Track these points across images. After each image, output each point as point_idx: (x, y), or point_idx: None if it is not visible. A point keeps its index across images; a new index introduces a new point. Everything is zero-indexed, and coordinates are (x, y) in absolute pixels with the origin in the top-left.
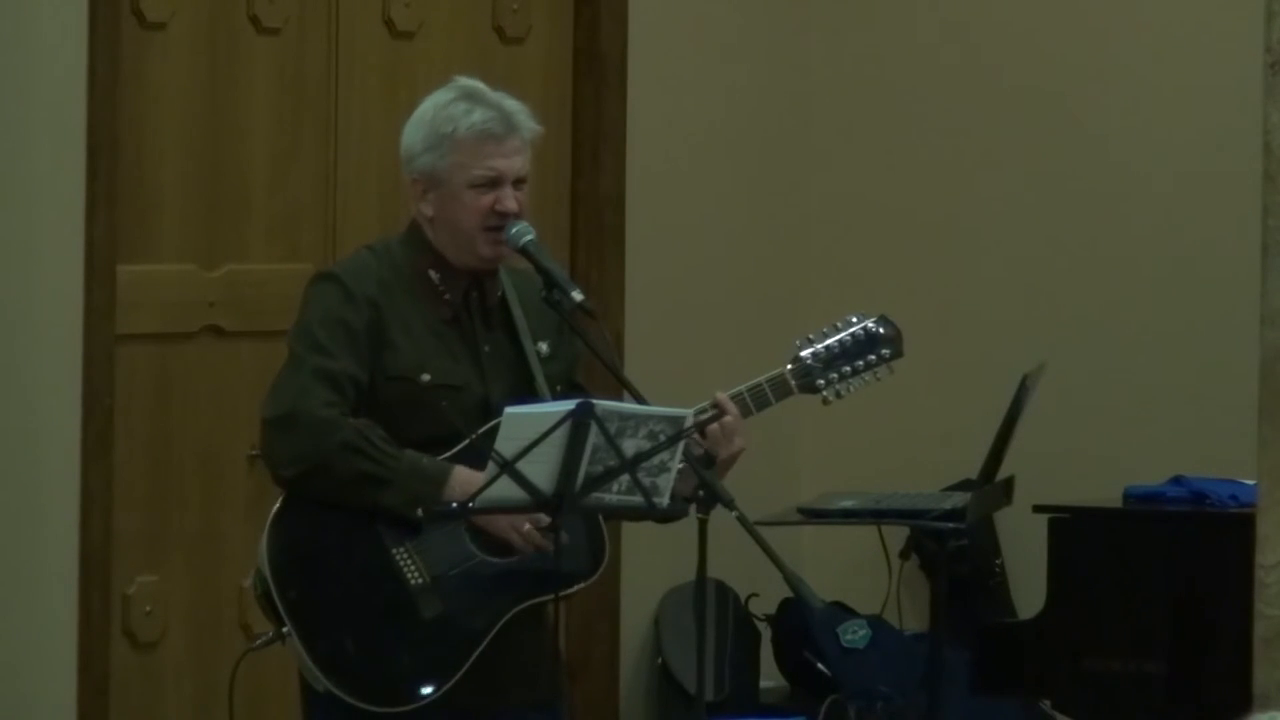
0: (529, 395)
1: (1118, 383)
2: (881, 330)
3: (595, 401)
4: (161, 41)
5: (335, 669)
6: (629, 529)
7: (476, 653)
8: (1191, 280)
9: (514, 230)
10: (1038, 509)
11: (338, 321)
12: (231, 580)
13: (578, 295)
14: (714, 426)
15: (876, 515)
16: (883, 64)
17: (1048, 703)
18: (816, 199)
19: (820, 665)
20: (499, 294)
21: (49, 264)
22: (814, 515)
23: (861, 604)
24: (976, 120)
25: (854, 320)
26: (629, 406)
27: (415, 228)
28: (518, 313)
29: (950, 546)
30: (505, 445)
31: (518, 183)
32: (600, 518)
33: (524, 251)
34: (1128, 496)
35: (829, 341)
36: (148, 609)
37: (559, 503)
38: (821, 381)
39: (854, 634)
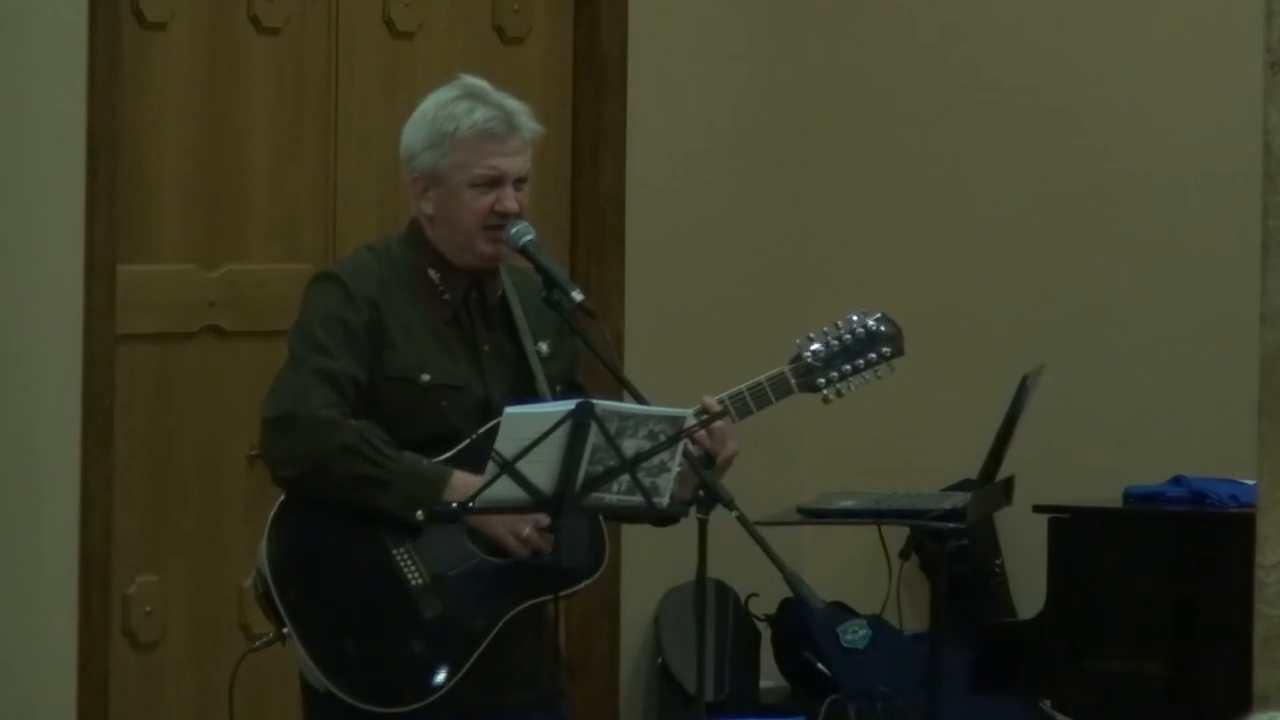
0: (529, 395)
1: (1118, 383)
2: (882, 328)
3: (595, 401)
4: (161, 41)
5: (336, 669)
6: (629, 529)
7: (477, 653)
8: (1191, 280)
9: (514, 230)
10: (1038, 509)
11: (338, 321)
12: (231, 580)
13: (578, 295)
14: (703, 433)
15: (876, 515)
16: (883, 64)
17: (1048, 703)
18: (816, 199)
19: (820, 665)
20: (499, 293)
21: (49, 264)
22: (814, 515)
23: (861, 604)
24: (976, 120)
25: (854, 319)
26: (629, 406)
27: (415, 227)
28: (518, 312)
29: (950, 546)
30: (505, 445)
31: (518, 182)
32: (600, 517)
33: (524, 251)
34: (1128, 496)
35: (829, 340)
36: (148, 609)
37: (559, 503)
38: (822, 380)
39: (854, 634)
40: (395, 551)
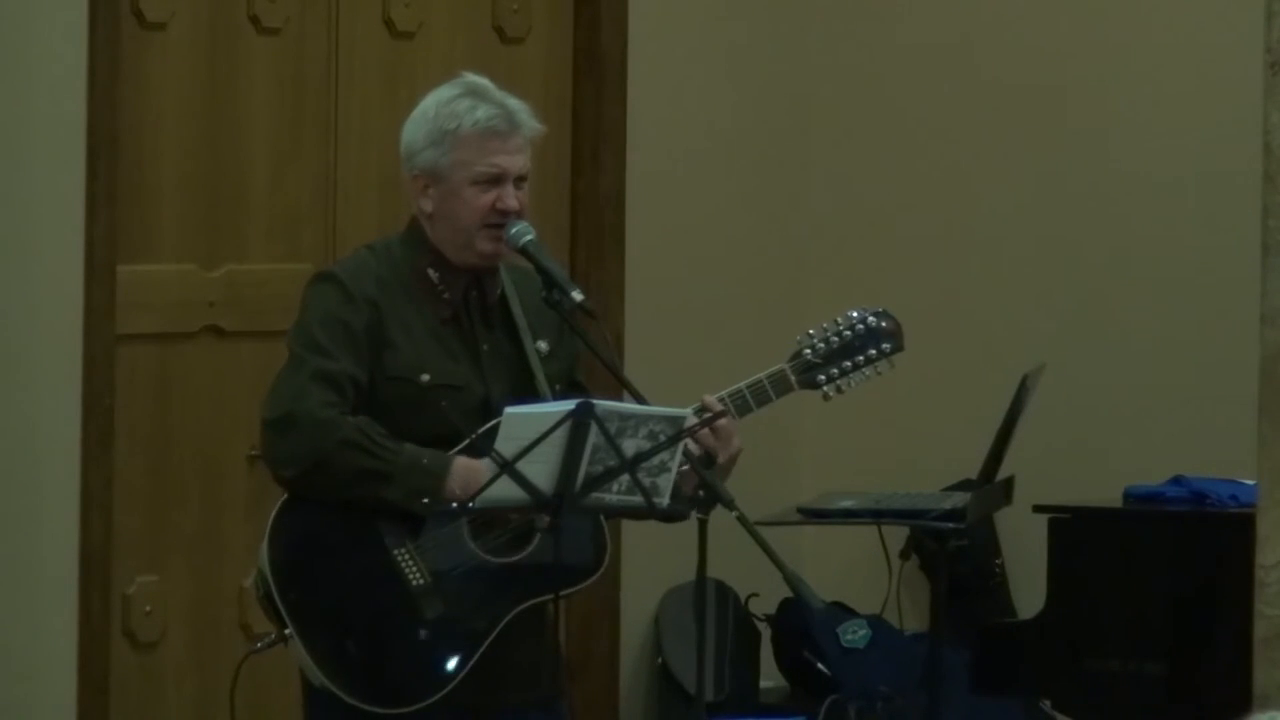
0: (529, 395)
1: (1118, 383)
2: (882, 324)
3: (595, 401)
4: (161, 41)
5: (337, 670)
6: (629, 529)
7: (479, 653)
8: (1191, 280)
9: (514, 230)
10: (1038, 509)
11: (337, 322)
12: (231, 580)
13: (578, 295)
14: (706, 432)
15: (876, 515)
16: (883, 64)
17: (1048, 703)
18: (816, 199)
19: (820, 665)
20: (499, 292)
21: (49, 264)
22: (814, 515)
23: (861, 604)
24: (976, 120)
25: (854, 314)
26: (629, 406)
27: (415, 226)
28: (517, 311)
29: (950, 546)
30: (505, 445)
31: (519, 181)
32: (601, 517)
33: (524, 251)
34: (1128, 496)
35: (829, 336)
36: (148, 609)
37: (559, 503)
38: (822, 377)
39: (854, 634)
40: (396, 552)
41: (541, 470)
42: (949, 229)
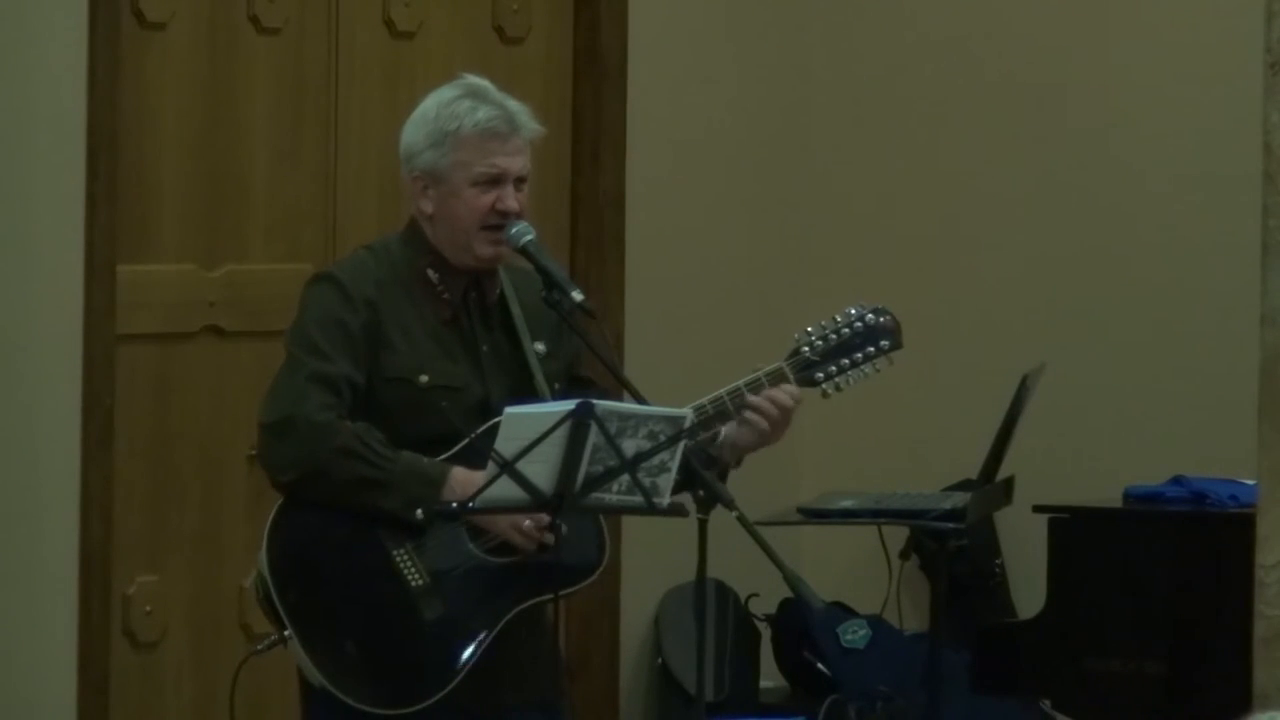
0: (528, 395)
1: (1118, 383)
2: (881, 321)
3: (595, 402)
4: (161, 41)
5: (337, 671)
6: (629, 529)
7: (479, 654)
8: (1191, 280)
9: (514, 230)
10: (1038, 509)
11: (335, 324)
12: (231, 580)
13: (577, 295)
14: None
15: (876, 515)
16: (882, 64)
17: (1048, 703)
18: (816, 199)
19: (820, 665)
20: (498, 293)
21: (49, 264)
22: (814, 515)
23: (861, 604)
24: (976, 120)
25: (852, 312)
26: (629, 406)
27: (414, 227)
28: (516, 312)
29: (950, 546)
30: (505, 445)
31: (519, 182)
32: (600, 518)
33: (524, 251)
34: (1128, 496)
35: (828, 334)
36: (148, 609)
37: (559, 503)
38: (820, 375)
39: (854, 634)
40: (395, 553)
41: (541, 470)
42: (949, 228)
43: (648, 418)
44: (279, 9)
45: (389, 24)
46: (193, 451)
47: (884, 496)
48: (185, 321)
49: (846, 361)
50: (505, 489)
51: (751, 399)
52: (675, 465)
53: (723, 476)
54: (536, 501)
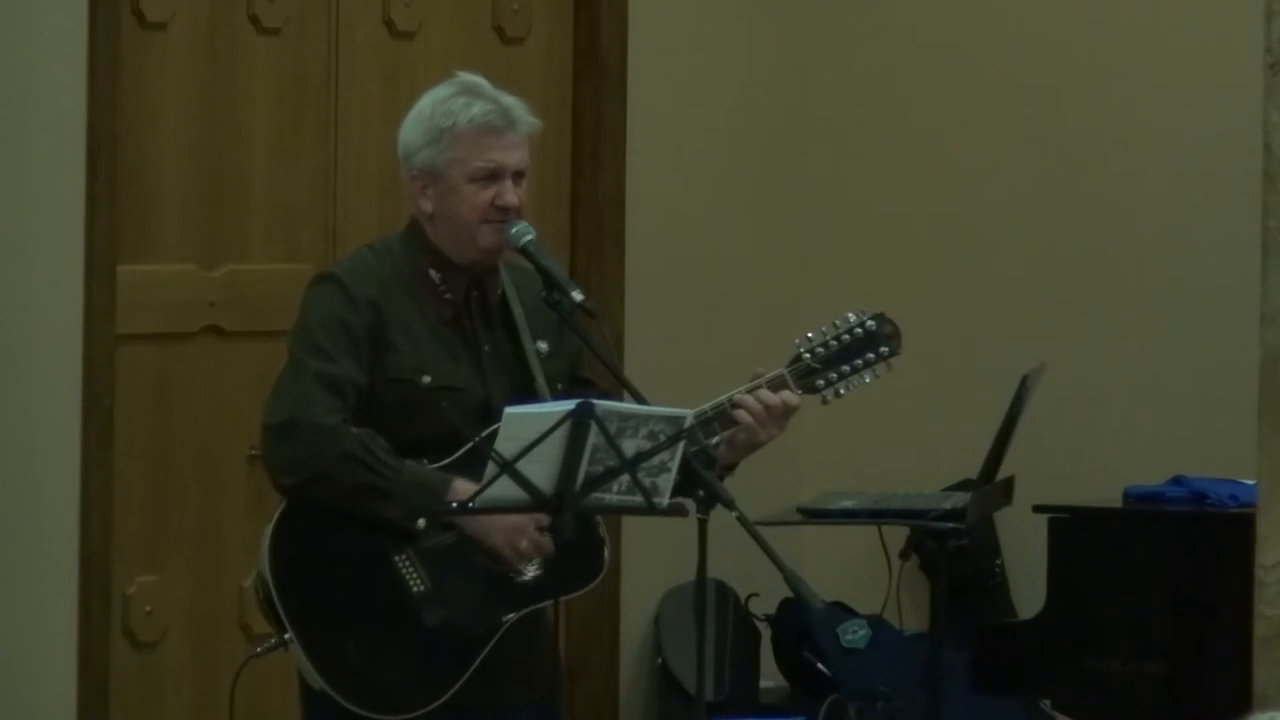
0: (529, 395)
1: (1118, 383)
2: (880, 328)
3: (595, 401)
4: (161, 41)
5: (338, 676)
6: (629, 529)
7: (479, 658)
8: (1191, 280)
9: (514, 230)
10: (1038, 509)
11: (339, 324)
12: (231, 580)
13: (578, 295)
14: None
15: (876, 515)
16: (882, 64)
17: (1048, 703)
18: (816, 199)
19: (820, 665)
20: (499, 293)
21: (49, 264)
22: (814, 515)
23: (861, 604)
24: (976, 120)
25: (852, 319)
26: (629, 406)
27: (414, 226)
28: (518, 311)
29: (950, 546)
30: (505, 445)
31: (517, 177)
32: (601, 522)
33: (524, 251)
34: (1128, 496)
35: (828, 340)
36: (148, 609)
37: (559, 503)
38: (821, 382)
39: (854, 634)
40: (397, 558)
41: (541, 470)
42: (949, 229)
43: (648, 418)
44: (279, 9)
45: (389, 24)
46: (193, 452)
47: (884, 496)
48: (185, 321)
49: (847, 368)
50: (505, 489)
51: (740, 397)
52: (675, 465)
53: (722, 478)
54: (536, 501)
